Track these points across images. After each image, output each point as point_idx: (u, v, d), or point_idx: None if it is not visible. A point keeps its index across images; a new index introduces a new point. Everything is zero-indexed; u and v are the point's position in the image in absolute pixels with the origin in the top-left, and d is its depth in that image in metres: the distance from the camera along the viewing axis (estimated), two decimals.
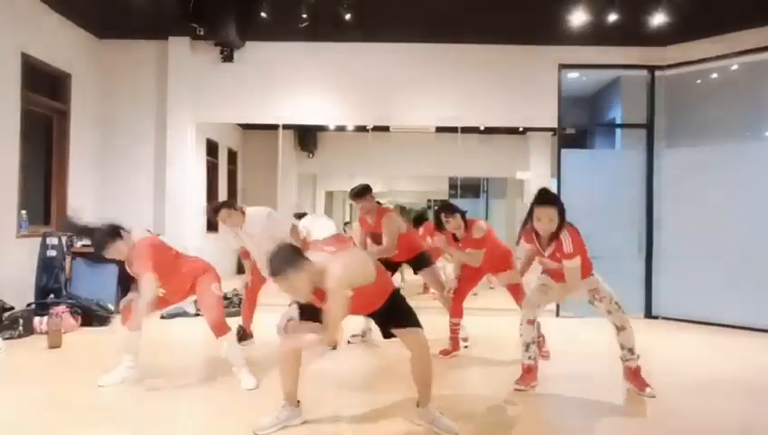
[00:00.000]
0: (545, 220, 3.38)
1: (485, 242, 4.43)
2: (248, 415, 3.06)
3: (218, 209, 4.60)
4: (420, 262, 4.97)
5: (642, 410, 3.40)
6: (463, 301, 4.64)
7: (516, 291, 4.50)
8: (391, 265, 4.86)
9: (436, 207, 5.21)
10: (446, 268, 7.98)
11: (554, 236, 3.42)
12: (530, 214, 3.49)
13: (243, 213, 4.61)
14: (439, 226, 4.48)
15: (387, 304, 2.96)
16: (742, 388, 3.88)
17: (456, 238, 4.50)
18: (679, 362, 4.57)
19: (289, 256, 2.64)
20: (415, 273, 5.24)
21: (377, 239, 4.87)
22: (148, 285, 3.47)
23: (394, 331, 2.95)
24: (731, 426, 3.17)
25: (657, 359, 4.50)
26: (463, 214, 4.43)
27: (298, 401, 2.98)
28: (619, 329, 3.63)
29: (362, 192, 4.82)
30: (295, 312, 2.80)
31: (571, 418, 3.33)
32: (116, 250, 3.59)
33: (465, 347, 4.82)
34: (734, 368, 4.45)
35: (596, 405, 3.50)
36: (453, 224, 4.40)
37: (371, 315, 3.05)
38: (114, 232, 3.58)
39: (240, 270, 10.02)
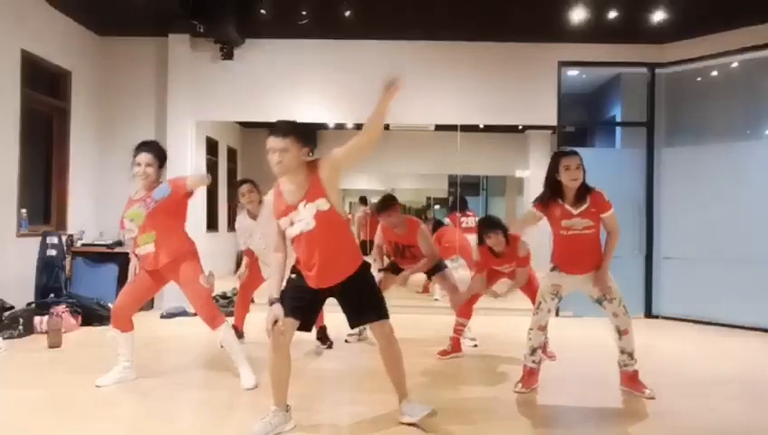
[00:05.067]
0: (573, 167, 3.44)
1: (529, 259, 4.38)
2: (248, 415, 3.06)
3: (242, 183, 4.71)
4: (434, 267, 4.87)
5: (642, 410, 3.40)
6: (474, 302, 4.60)
7: (531, 291, 4.48)
8: (399, 270, 4.84)
9: (436, 206, 5.16)
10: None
11: (581, 193, 3.48)
12: (554, 169, 3.52)
13: (260, 200, 4.62)
14: (480, 241, 4.38)
15: (357, 277, 2.90)
16: (742, 388, 3.88)
17: (493, 253, 4.39)
18: (679, 362, 4.57)
19: (301, 128, 2.78)
20: (429, 278, 5.20)
21: (401, 251, 4.74)
22: None
23: (364, 322, 2.97)
24: (731, 426, 3.17)
25: (657, 359, 4.50)
26: (505, 230, 4.27)
27: (288, 406, 2.93)
28: (622, 333, 3.59)
29: (386, 205, 4.60)
30: (280, 311, 2.78)
31: (570, 418, 3.33)
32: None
33: (475, 346, 4.84)
34: (734, 368, 4.45)
35: (595, 405, 3.51)
36: (494, 241, 4.28)
37: (340, 295, 2.94)
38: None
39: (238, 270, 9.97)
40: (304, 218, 2.75)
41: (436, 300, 7.19)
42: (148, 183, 3.70)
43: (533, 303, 4.46)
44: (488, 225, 4.34)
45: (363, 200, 9.63)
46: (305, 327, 2.95)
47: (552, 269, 3.69)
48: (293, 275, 2.92)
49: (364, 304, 2.93)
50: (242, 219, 4.79)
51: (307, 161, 2.79)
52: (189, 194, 3.75)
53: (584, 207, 3.49)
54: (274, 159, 2.70)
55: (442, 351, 4.55)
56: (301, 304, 2.87)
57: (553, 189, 3.55)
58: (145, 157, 3.67)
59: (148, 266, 3.67)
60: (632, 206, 6.57)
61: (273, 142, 2.70)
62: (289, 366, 2.89)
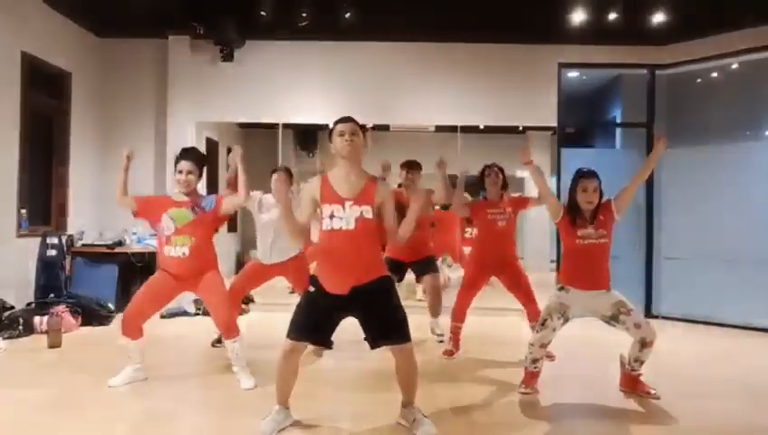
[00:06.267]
0: (591, 190, 3.52)
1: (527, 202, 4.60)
2: (247, 415, 3.06)
3: (276, 171, 4.64)
4: (426, 266, 4.97)
5: (642, 409, 3.40)
6: (468, 306, 4.60)
7: (521, 289, 4.50)
8: (398, 267, 4.87)
9: (436, 207, 5.31)
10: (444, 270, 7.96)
11: (596, 210, 3.54)
12: (573, 187, 3.59)
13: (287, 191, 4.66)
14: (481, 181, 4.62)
15: (382, 291, 2.87)
16: (742, 388, 3.88)
17: (486, 201, 4.57)
18: (679, 362, 4.57)
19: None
20: (418, 279, 5.22)
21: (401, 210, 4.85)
22: None
23: (385, 344, 2.88)
24: (731, 426, 3.17)
25: (658, 359, 4.49)
26: (503, 172, 4.57)
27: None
28: (647, 345, 3.48)
29: (419, 165, 4.98)
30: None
31: (570, 418, 3.33)
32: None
33: (440, 341, 4.91)
34: (734, 368, 4.45)
35: (596, 405, 3.50)
36: (492, 179, 4.51)
37: (362, 312, 2.90)
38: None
39: (239, 270, 10.00)
40: (345, 217, 2.79)
41: (419, 300, 7.14)
42: (189, 190, 3.76)
43: (522, 304, 4.50)
44: (491, 166, 4.58)
45: None
46: (323, 344, 2.96)
47: (560, 289, 3.61)
48: (312, 289, 2.88)
49: (388, 325, 2.87)
50: (262, 195, 4.69)
51: (365, 171, 2.94)
52: (224, 217, 3.93)
53: (596, 221, 3.55)
54: (344, 139, 2.87)
55: (447, 351, 4.57)
56: (316, 325, 2.87)
57: (572, 206, 3.58)
58: (186, 164, 3.76)
59: (175, 269, 3.68)
60: (632, 206, 6.55)
61: (346, 126, 2.90)
62: (295, 376, 2.94)
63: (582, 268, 3.56)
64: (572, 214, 3.57)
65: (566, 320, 3.59)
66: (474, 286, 4.58)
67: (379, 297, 2.86)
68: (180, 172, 3.75)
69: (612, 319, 3.53)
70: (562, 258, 3.75)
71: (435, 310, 5.06)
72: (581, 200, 3.53)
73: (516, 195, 4.71)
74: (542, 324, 3.58)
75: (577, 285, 3.55)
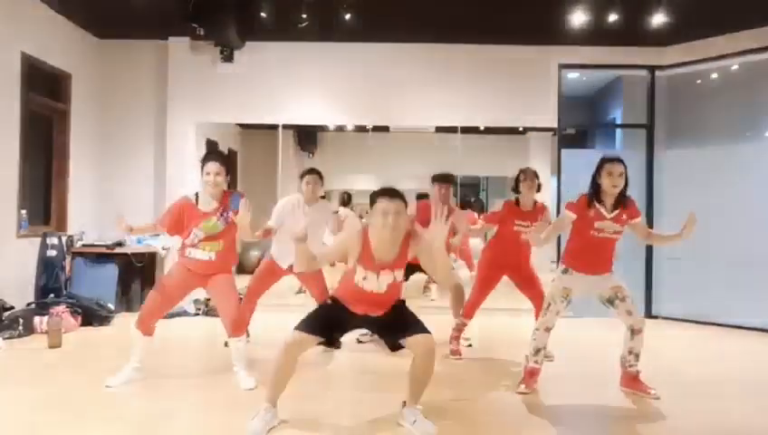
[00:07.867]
0: (616, 174, 3.51)
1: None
2: (247, 415, 3.06)
3: (311, 172, 4.61)
4: None
5: (642, 410, 3.40)
6: (480, 305, 4.60)
7: (534, 290, 4.50)
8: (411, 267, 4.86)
9: None
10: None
11: (618, 200, 3.56)
12: (597, 172, 3.58)
13: (322, 195, 4.73)
14: (515, 187, 4.53)
15: (393, 310, 3.01)
16: (742, 388, 3.89)
17: (518, 208, 4.49)
18: (679, 362, 4.57)
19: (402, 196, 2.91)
20: (430, 279, 5.19)
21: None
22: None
23: (403, 340, 2.94)
24: (731, 426, 3.17)
25: (658, 359, 4.50)
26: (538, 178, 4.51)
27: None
28: (636, 332, 3.59)
29: (451, 177, 4.74)
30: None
31: (570, 418, 3.33)
32: None
33: (469, 346, 4.85)
34: (734, 368, 4.45)
35: (596, 405, 3.51)
36: (528, 184, 4.45)
37: (377, 326, 3.06)
38: None
39: (239, 270, 10.02)
40: (377, 283, 2.93)
41: (432, 300, 7.19)
42: (217, 192, 3.74)
43: (534, 304, 4.50)
44: (526, 171, 4.53)
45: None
46: (329, 343, 3.19)
47: (564, 271, 3.65)
48: (331, 302, 3.04)
49: (407, 324, 2.97)
50: (292, 201, 4.62)
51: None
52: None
53: (617, 212, 3.57)
54: (387, 219, 2.80)
55: (455, 350, 4.56)
56: (330, 324, 2.99)
57: (594, 191, 3.60)
58: (214, 166, 3.71)
59: (199, 270, 3.72)
60: None
61: (390, 205, 2.82)
62: (293, 371, 2.97)
63: (589, 256, 3.61)
64: (593, 201, 3.57)
65: (569, 302, 3.66)
66: (487, 286, 4.57)
67: (393, 314, 3.02)
68: (208, 174, 3.71)
69: (609, 302, 3.63)
70: (569, 240, 3.73)
71: (455, 309, 4.82)
72: (607, 185, 3.53)
73: (546, 210, 4.60)
74: (547, 309, 3.66)
75: (581, 269, 3.62)
